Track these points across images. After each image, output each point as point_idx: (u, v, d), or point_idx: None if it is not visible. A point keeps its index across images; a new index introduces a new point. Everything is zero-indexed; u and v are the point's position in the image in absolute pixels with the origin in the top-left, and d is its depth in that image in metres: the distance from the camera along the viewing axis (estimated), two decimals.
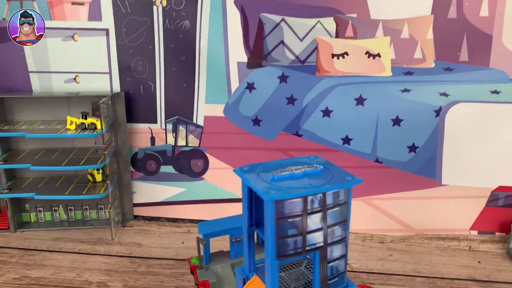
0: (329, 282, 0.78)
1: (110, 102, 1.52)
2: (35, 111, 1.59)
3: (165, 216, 1.68)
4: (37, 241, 1.53)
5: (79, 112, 1.49)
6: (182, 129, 1.62)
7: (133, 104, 1.60)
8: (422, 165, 1.49)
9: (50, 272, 1.34)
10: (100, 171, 1.58)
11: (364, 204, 1.56)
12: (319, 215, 0.74)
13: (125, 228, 1.62)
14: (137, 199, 1.69)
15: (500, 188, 1.49)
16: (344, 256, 0.79)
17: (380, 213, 1.56)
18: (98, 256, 1.44)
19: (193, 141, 1.63)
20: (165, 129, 1.62)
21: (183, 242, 1.52)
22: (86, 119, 1.47)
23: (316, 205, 0.73)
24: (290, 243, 0.73)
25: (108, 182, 1.50)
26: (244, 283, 0.85)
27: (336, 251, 0.77)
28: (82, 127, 1.47)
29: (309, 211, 0.73)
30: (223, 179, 1.64)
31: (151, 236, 1.57)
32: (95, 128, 1.47)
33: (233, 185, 1.63)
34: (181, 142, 1.63)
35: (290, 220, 0.72)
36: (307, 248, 0.74)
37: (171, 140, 1.63)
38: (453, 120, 1.44)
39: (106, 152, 1.46)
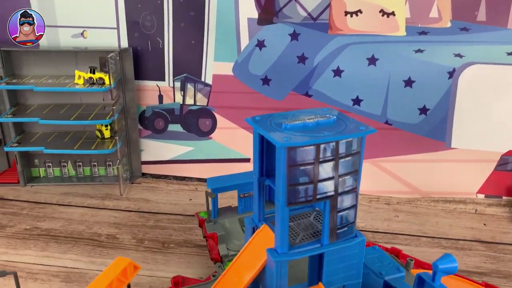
0: (338, 231, 0.78)
1: (118, 57, 1.50)
2: (42, 65, 1.57)
3: (172, 174, 1.69)
4: (47, 195, 1.55)
5: (87, 67, 1.48)
6: (190, 87, 1.60)
7: (141, 60, 1.58)
8: (432, 127, 1.48)
9: (60, 224, 1.37)
10: (109, 127, 1.58)
11: (371, 165, 1.56)
12: (331, 164, 0.73)
13: (133, 185, 1.64)
14: (145, 157, 1.70)
15: (510, 152, 1.47)
16: (354, 207, 0.79)
17: (386, 175, 1.56)
18: (107, 210, 1.46)
19: (201, 100, 1.61)
20: (173, 87, 1.61)
21: (190, 199, 1.54)
22: (94, 73, 1.46)
23: (328, 153, 0.73)
24: (301, 191, 0.73)
25: (117, 138, 1.50)
26: (254, 232, 0.86)
27: (346, 200, 0.77)
28: (90, 82, 1.46)
29: (321, 160, 0.73)
30: (231, 139, 1.63)
31: (159, 192, 1.59)
32: (103, 83, 1.45)
33: (241, 145, 1.62)
34: (189, 100, 1.62)
35: (301, 168, 0.72)
36: (318, 196, 0.74)
37: (179, 98, 1.62)
38: (467, 82, 1.41)
39: (114, 107, 1.45)
